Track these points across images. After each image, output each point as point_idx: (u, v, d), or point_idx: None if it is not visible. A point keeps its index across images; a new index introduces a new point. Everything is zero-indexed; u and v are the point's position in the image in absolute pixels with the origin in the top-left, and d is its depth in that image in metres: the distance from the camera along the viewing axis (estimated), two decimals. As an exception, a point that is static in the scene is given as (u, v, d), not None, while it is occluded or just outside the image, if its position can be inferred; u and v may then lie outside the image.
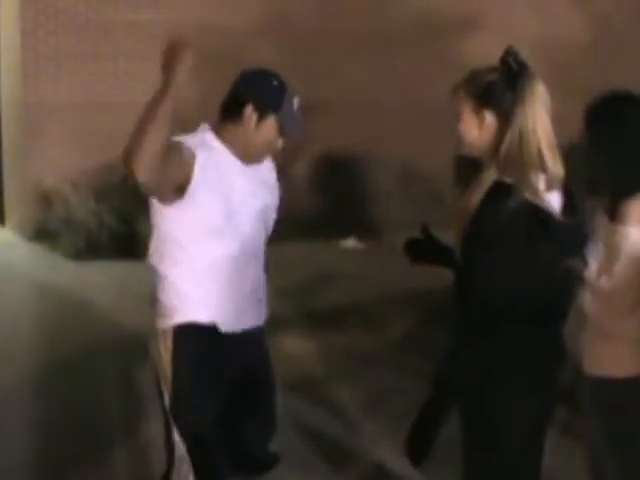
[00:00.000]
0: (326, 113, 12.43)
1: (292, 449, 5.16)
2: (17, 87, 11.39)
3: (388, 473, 5.03)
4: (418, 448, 3.10)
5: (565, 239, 3.07)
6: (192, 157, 3.41)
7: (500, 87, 3.06)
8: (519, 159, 2.99)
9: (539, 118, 3.02)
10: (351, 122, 12.44)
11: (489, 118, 3.08)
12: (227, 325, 3.58)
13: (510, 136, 3.01)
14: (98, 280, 9.28)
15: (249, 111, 3.49)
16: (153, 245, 3.63)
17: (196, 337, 3.54)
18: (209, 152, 3.49)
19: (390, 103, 12.79)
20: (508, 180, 2.97)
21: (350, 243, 11.51)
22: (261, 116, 3.50)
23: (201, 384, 3.54)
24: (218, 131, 3.58)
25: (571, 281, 3.22)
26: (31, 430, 5.57)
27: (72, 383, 6.35)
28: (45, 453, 5.27)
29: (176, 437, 3.55)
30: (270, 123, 3.51)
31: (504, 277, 2.97)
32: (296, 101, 3.56)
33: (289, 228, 11.58)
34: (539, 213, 2.97)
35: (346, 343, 7.31)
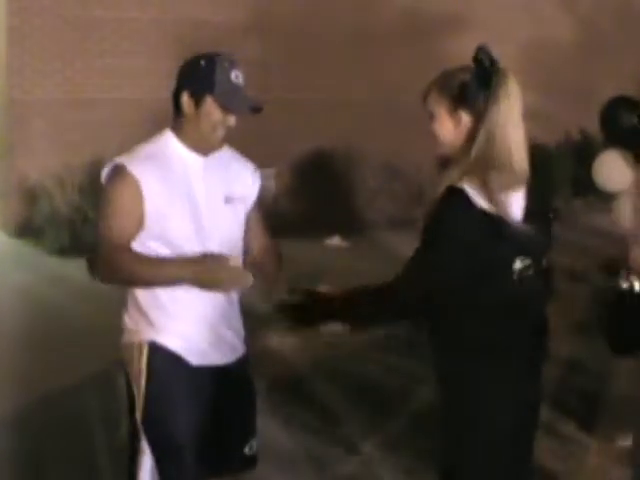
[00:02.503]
0: (310, 111, 12.44)
1: (275, 447, 5.16)
2: (2, 83, 11.36)
3: (373, 472, 5.03)
4: None
5: (520, 241, 3.00)
6: (137, 189, 3.41)
7: (474, 86, 3.02)
8: (488, 158, 2.96)
9: (511, 115, 2.98)
10: (334, 120, 12.44)
11: (465, 118, 3.05)
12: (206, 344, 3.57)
13: (483, 135, 2.98)
14: (82, 276, 9.24)
15: (185, 99, 3.46)
16: None
17: (170, 353, 3.51)
18: (157, 163, 3.46)
19: (374, 101, 12.81)
20: (460, 185, 2.92)
21: (334, 241, 11.51)
22: (197, 100, 3.45)
23: (175, 398, 3.48)
24: (174, 128, 3.56)
25: (533, 282, 3.13)
26: (7, 428, 5.57)
27: (53, 379, 6.33)
28: (21, 449, 5.27)
29: (144, 448, 3.47)
30: (208, 104, 3.44)
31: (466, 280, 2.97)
32: (235, 74, 3.47)
33: (273, 227, 11.60)
34: (492, 222, 2.93)
35: (331, 341, 7.30)
